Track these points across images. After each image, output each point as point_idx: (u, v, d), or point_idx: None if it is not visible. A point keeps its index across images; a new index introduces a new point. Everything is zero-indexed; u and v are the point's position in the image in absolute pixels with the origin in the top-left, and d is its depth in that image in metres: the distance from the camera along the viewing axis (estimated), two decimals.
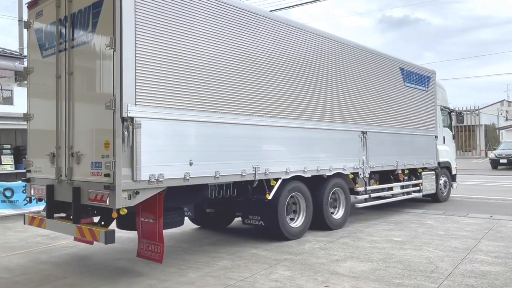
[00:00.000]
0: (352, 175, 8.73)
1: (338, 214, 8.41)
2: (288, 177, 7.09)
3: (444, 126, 12.65)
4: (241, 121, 6.26)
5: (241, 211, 7.20)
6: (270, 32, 6.86)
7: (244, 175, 6.31)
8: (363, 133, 8.92)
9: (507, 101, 61.24)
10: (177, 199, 6.16)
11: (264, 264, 5.79)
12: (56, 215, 5.80)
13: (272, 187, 6.88)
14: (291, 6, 21.01)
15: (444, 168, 12.28)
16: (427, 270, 5.45)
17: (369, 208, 10.23)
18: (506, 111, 55.28)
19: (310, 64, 7.62)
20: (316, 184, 7.98)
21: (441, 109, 12.47)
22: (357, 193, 8.96)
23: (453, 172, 12.77)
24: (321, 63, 7.86)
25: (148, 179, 5.05)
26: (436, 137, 11.76)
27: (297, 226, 7.37)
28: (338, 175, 8.38)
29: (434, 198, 11.96)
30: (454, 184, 12.80)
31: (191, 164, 5.54)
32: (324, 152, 7.90)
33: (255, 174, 6.48)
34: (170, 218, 6.10)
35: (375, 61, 9.37)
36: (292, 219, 7.43)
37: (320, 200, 7.89)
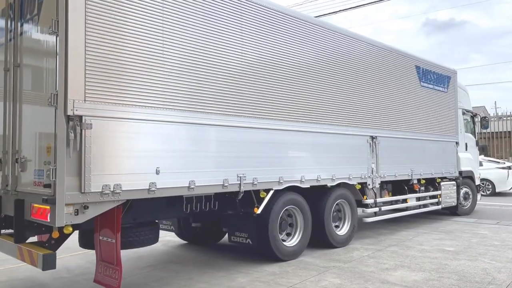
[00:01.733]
0: (360, 186, 7.72)
1: (343, 229, 7.38)
2: (281, 187, 6.14)
3: (466, 132, 11.47)
4: (222, 123, 5.36)
5: (228, 227, 6.26)
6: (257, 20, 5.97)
7: (226, 186, 5.39)
8: (373, 138, 7.90)
9: None
10: (147, 214, 5.32)
11: (313, 271, 5.72)
12: (4, 231, 5.00)
13: (262, 199, 5.95)
14: (333, 12, 20.92)
15: (466, 178, 11.08)
16: (484, 282, 5.23)
17: (414, 216, 10.01)
18: None
19: (309, 58, 6.69)
20: (316, 196, 7.01)
21: (463, 113, 11.31)
22: (366, 205, 7.92)
23: (477, 183, 11.54)
24: (323, 57, 6.92)
25: (100, 190, 4.19)
26: (457, 143, 10.60)
27: (292, 245, 6.38)
28: (343, 185, 7.38)
29: (453, 212, 10.77)
30: (478, 196, 11.56)
31: (158, 172, 4.66)
32: (326, 159, 6.92)
33: (240, 184, 5.56)
34: (141, 235, 5.28)
35: (386, 58, 8.36)
36: (287, 237, 6.45)
37: (321, 214, 6.90)
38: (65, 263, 6.21)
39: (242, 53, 5.67)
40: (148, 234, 5.34)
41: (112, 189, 4.27)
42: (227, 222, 6.28)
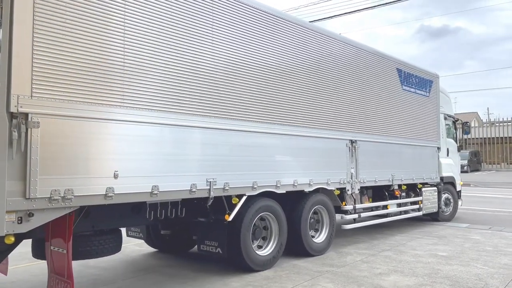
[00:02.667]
0: (338, 191, 7.42)
1: (320, 237, 7.07)
2: (255, 193, 5.79)
3: (448, 137, 11.32)
4: (189, 123, 4.98)
5: (197, 235, 5.88)
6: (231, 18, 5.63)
7: (194, 191, 5.02)
8: (352, 142, 7.63)
9: None
10: (107, 221, 4.92)
11: (306, 276, 5.69)
12: None
13: (234, 205, 5.59)
14: (329, 17, 20.79)
15: (447, 184, 10.92)
16: (477, 287, 5.20)
17: (408, 221, 10.03)
18: None
19: (284, 58, 6.38)
20: (292, 202, 6.69)
21: (445, 118, 11.15)
22: (345, 212, 7.63)
23: (458, 189, 11.39)
24: (299, 58, 6.62)
25: (49, 196, 3.78)
26: (438, 148, 10.43)
27: (266, 254, 6.03)
28: (321, 191, 7.08)
29: (434, 218, 10.58)
30: (459, 202, 11.41)
31: (116, 176, 4.26)
32: (303, 163, 6.60)
33: (209, 189, 5.20)
34: (101, 244, 4.89)
35: (367, 59, 8.11)
36: (260, 246, 6.10)
37: (298, 221, 6.57)
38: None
39: (213, 52, 5.32)
40: (109, 242, 4.95)
41: (62, 195, 3.86)
42: (196, 230, 5.89)
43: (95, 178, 4.12)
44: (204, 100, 5.17)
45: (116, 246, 5.08)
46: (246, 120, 5.69)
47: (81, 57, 4.05)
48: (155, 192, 4.60)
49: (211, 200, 5.25)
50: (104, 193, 4.18)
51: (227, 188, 5.39)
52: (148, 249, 7.23)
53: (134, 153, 4.44)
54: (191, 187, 4.98)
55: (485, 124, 49.25)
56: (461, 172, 34.34)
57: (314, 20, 19.84)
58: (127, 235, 6.87)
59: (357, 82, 7.80)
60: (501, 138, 43.58)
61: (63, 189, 3.87)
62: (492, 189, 22.74)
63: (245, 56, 5.73)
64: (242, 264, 5.75)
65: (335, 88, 7.27)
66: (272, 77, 6.09)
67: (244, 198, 5.66)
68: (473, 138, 44.91)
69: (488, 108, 65.39)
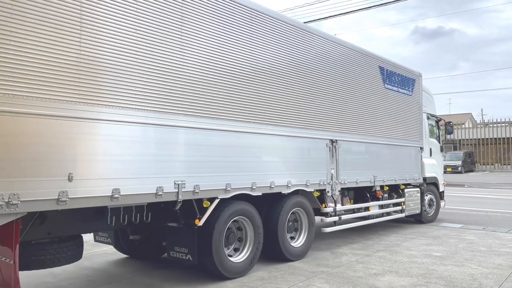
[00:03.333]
0: (318, 193, 7.15)
1: (299, 241, 6.78)
2: (228, 196, 5.46)
3: (431, 137, 11.16)
4: (154, 121, 4.62)
5: (166, 241, 5.52)
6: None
7: (160, 194, 4.66)
8: (333, 141, 7.35)
9: None
10: (65, 227, 4.55)
11: (301, 276, 5.69)
12: None
13: (206, 209, 5.26)
14: (324, 18, 20.66)
15: (430, 185, 10.75)
16: (471, 287, 5.21)
17: (401, 221, 10.14)
18: None
19: (258, 53, 6.06)
20: (269, 205, 6.39)
21: (428, 118, 10.99)
22: (325, 214, 7.35)
23: (441, 189, 11.23)
24: (275, 52, 6.31)
25: None
26: (421, 148, 10.24)
27: (240, 260, 5.71)
28: (300, 192, 6.79)
29: (417, 219, 10.41)
30: (442, 203, 11.25)
31: (70, 179, 3.89)
32: (280, 164, 6.30)
33: (178, 192, 4.85)
34: (58, 252, 4.52)
35: (348, 56, 7.85)
36: (234, 252, 5.78)
37: (274, 225, 6.27)
38: (50, 268, 5.42)
39: (181, 48, 4.98)
40: (66, 251, 4.58)
41: (6, 200, 3.48)
42: (165, 235, 5.53)
43: (46, 181, 3.74)
44: (172, 96, 4.82)
45: (75, 254, 4.72)
46: (217, 118, 5.35)
47: (30, 52, 3.67)
48: (116, 196, 4.24)
49: (180, 204, 4.90)
50: (57, 197, 3.80)
51: (197, 191, 5.05)
52: (117, 255, 6.83)
53: (91, 154, 4.07)
54: (157, 190, 4.62)
55: (479, 125, 49.72)
56: (455, 172, 34.78)
57: (310, 21, 19.72)
58: (95, 240, 6.47)
59: (338, 80, 7.53)
60: (495, 139, 43.99)
61: (7, 193, 3.49)
62: (486, 189, 22.83)
63: (215, 52, 5.39)
64: (214, 272, 5.41)
65: (315, 86, 6.98)
66: (245, 73, 5.77)
67: (216, 201, 5.33)
68: (467, 139, 45.37)
69: (482, 109, 66.11)
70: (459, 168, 37.28)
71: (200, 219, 5.17)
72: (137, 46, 4.51)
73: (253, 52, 5.89)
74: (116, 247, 6.65)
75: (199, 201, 5.25)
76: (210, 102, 5.26)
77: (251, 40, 5.87)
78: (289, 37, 6.52)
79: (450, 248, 7.54)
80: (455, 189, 22.47)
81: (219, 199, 5.34)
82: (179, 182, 4.85)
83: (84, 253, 6.86)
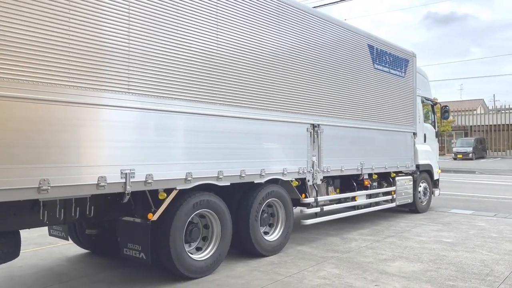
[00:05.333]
0: (298, 182, 6.55)
1: (274, 234, 6.20)
2: (189, 186, 4.86)
3: (425, 122, 10.52)
4: (94, 100, 3.99)
5: (120, 236, 4.93)
6: None
7: (103, 186, 4.06)
8: (314, 126, 6.72)
9: None
10: None
11: (311, 261, 5.72)
12: None
13: (162, 202, 4.66)
14: (333, 3, 19.88)
15: (424, 172, 10.14)
16: (482, 273, 5.22)
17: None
18: None
19: (232, 28, 5.40)
20: (242, 195, 5.79)
21: (422, 101, 10.32)
22: (306, 205, 6.76)
23: (435, 177, 10.63)
24: (250, 26, 5.64)
25: None
26: (414, 134, 9.60)
27: (204, 258, 5.12)
28: (276, 181, 6.19)
29: (411, 209, 9.83)
30: (436, 192, 10.66)
31: None
32: (253, 151, 5.69)
33: (125, 183, 4.24)
34: None
35: (333, 33, 7.17)
36: (197, 250, 5.20)
37: (246, 217, 5.68)
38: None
39: (128, 25, 4.32)
40: (3, 248, 4.00)
41: None
42: (118, 231, 4.94)
43: None
44: (117, 72, 4.18)
45: (9, 253, 4.16)
46: (177, 99, 4.71)
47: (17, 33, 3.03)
48: (45, 187, 3.63)
49: (128, 197, 4.29)
50: None
51: (150, 181, 4.44)
52: (78, 250, 6.28)
53: (11, 139, 3.45)
54: (98, 180, 4.02)
55: (491, 111, 48.99)
56: (466, 159, 34.84)
57: (318, 6, 19.00)
58: (50, 235, 5.89)
59: (321, 59, 6.86)
60: (507, 125, 43.32)
61: None
62: (497, 176, 22.72)
63: (179, 27, 4.73)
64: (173, 271, 4.84)
65: (293, 65, 6.32)
66: (209, 50, 5.11)
67: (174, 192, 4.73)
68: (479, 125, 44.81)
69: (494, 95, 64.71)
70: (470, 155, 36.81)
71: (154, 212, 4.58)
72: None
73: (218, 28, 5.22)
74: (74, 241, 6.09)
75: (154, 192, 4.65)
76: (170, 80, 4.62)
77: (216, 16, 5.19)
78: (262, 10, 5.84)
79: (461, 234, 7.48)
80: (466, 176, 22.33)
81: (177, 190, 4.75)
82: (127, 171, 4.24)
83: (41, 248, 6.43)
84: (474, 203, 11.69)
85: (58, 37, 3.75)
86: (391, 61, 8.81)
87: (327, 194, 7.36)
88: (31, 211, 4.12)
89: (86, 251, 6.23)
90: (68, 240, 5.81)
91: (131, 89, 4.30)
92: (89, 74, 3.97)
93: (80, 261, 5.85)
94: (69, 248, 6.41)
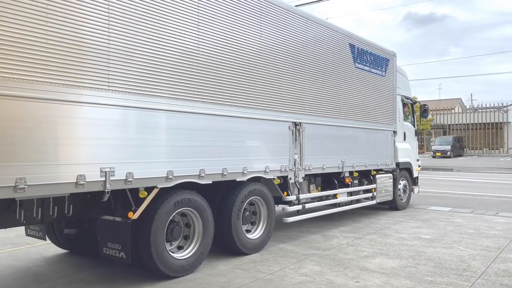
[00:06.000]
0: (279, 180, 6.57)
1: (257, 232, 6.21)
2: (170, 185, 4.82)
3: (405, 121, 10.68)
4: (73, 97, 3.92)
5: (99, 236, 4.85)
6: None
7: (82, 184, 3.99)
8: (296, 124, 6.75)
9: None
10: None
11: (293, 259, 5.75)
12: None
13: (142, 200, 4.61)
14: (316, 1, 19.75)
15: (404, 170, 10.31)
16: (459, 269, 5.34)
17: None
18: None
19: (211, 24, 5.37)
20: (224, 193, 5.78)
21: (402, 100, 10.48)
22: (288, 203, 6.80)
23: (415, 175, 10.82)
24: (230, 23, 5.62)
25: None
26: (394, 132, 9.75)
27: (186, 256, 5.09)
28: (258, 179, 6.19)
29: (392, 206, 9.98)
30: (416, 189, 10.86)
31: None
32: (235, 149, 5.68)
33: (105, 181, 4.18)
34: None
35: (314, 31, 7.21)
36: (180, 248, 5.16)
37: (228, 215, 5.68)
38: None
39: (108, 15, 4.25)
40: None
41: None
42: (99, 230, 4.87)
43: None
44: (96, 69, 4.11)
45: None
46: (158, 96, 4.67)
47: None
48: (22, 186, 3.55)
49: (108, 195, 4.23)
50: None
51: (130, 179, 4.39)
52: (56, 250, 6.16)
53: None
54: (77, 179, 3.95)
55: (468, 110, 50.15)
56: (444, 157, 35.95)
57: (301, 4, 19.00)
58: (26, 235, 5.75)
59: (303, 57, 6.89)
60: (484, 124, 44.51)
61: None
62: (474, 173, 23.35)
63: (155, 20, 4.67)
64: (154, 270, 4.79)
65: (275, 64, 6.33)
66: (190, 47, 5.07)
67: (155, 191, 4.68)
68: (457, 124, 45.84)
69: (471, 94, 66.38)
70: (448, 153, 37.60)
71: (135, 211, 4.53)
72: None
73: (199, 25, 5.18)
74: (52, 241, 5.97)
75: (135, 191, 4.60)
76: (147, 77, 4.56)
77: (197, 13, 5.16)
78: (244, 7, 5.82)
79: (439, 231, 7.63)
80: (444, 174, 22.85)
81: (158, 189, 4.70)
82: (107, 170, 4.18)
83: (18, 248, 6.28)
84: (452, 200, 11.97)
85: (35, 32, 3.66)
86: (372, 60, 8.91)
87: (309, 192, 7.41)
88: (7, 210, 4.00)
89: (64, 251, 6.12)
90: (45, 240, 5.68)
91: (110, 86, 4.24)
92: (67, 70, 3.89)
93: (58, 261, 5.74)
94: (47, 248, 6.29)
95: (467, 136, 45.19)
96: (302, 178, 6.94)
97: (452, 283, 4.78)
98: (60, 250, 6.14)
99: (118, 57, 4.30)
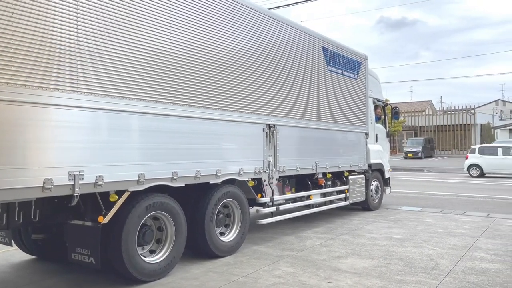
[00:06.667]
0: (254, 182, 6.58)
1: (230, 235, 6.20)
2: (141, 188, 4.75)
3: (377, 123, 10.89)
4: (41, 99, 3.81)
5: (68, 241, 4.72)
6: None
7: (49, 188, 3.87)
8: (270, 126, 6.78)
9: (502, 100, 62.60)
10: None
11: (266, 260, 5.78)
12: None
13: (113, 204, 4.52)
14: (290, 4, 19.85)
15: (376, 171, 10.50)
16: (428, 267, 5.47)
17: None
18: (501, 111, 56.21)
19: (185, 26, 5.33)
20: (197, 196, 5.74)
21: (374, 102, 10.68)
22: (262, 205, 6.80)
23: (386, 176, 11.04)
24: (204, 26, 5.59)
25: None
26: (366, 134, 9.93)
27: (157, 260, 5.01)
28: (232, 182, 6.18)
29: (364, 207, 10.15)
30: (387, 190, 11.08)
31: None
32: (208, 151, 5.64)
33: (74, 185, 4.08)
34: None
35: (287, 34, 7.26)
36: (152, 252, 5.09)
37: (201, 218, 5.64)
38: None
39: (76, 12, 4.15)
40: None
41: None
42: (67, 235, 4.74)
43: None
44: (64, 70, 4.01)
45: None
46: (129, 98, 4.59)
47: None
48: None
49: (76, 199, 4.13)
50: None
51: (100, 183, 4.30)
52: (23, 256, 5.96)
53: None
54: (44, 183, 3.84)
55: (438, 112, 51.62)
56: (416, 158, 36.95)
57: (276, 7, 19.08)
58: None
59: (276, 59, 6.93)
60: (453, 125, 45.93)
61: None
62: (444, 174, 24.03)
63: (128, 20, 4.60)
64: (126, 275, 4.71)
65: (249, 64, 6.34)
66: (161, 47, 5.02)
67: (126, 194, 4.61)
68: (427, 126, 47.07)
69: (441, 96, 68.51)
70: (419, 154, 38.54)
71: (105, 215, 4.44)
72: None
73: (172, 27, 5.14)
74: (19, 247, 5.79)
75: (105, 195, 4.51)
76: (117, 79, 4.48)
77: (169, 14, 5.11)
78: (216, 9, 5.81)
79: (410, 231, 7.81)
80: (415, 174, 23.37)
81: (129, 192, 4.62)
82: (76, 173, 4.08)
83: None
84: (423, 200, 12.30)
85: (0, 33, 3.54)
86: (345, 63, 9.05)
87: (283, 194, 7.44)
88: None
89: (32, 257, 5.93)
90: (12, 245, 5.49)
91: (79, 88, 4.14)
92: (34, 72, 3.78)
93: (25, 268, 5.57)
94: (14, 254, 6.08)
95: (438, 137, 46.55)
96: (276, 179, 6.97)
97: (421, 281, 4.90)
98: (27, 256, 5.96)
99: (88, 58, 4.21)
